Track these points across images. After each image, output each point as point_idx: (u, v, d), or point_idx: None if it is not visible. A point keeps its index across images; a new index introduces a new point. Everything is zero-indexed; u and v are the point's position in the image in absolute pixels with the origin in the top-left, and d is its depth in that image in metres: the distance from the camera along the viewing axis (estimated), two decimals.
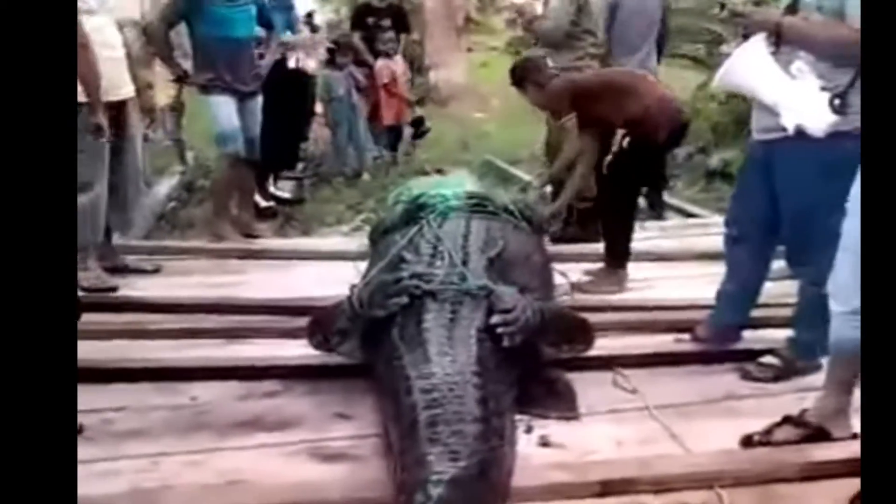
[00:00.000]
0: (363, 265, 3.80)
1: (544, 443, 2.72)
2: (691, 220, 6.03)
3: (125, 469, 2.56)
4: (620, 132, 4.15)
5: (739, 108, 8.00)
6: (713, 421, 2.87)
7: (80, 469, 2.48)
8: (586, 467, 2.51)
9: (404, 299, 2.81)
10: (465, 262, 3.07)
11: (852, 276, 2.22)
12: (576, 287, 4.17)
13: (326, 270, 4.46)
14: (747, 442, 2.66)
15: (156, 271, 4.43)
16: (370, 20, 8.18)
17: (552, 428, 2.80)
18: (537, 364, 3.00)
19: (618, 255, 4.33)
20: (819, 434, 2.61)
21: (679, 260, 4.80)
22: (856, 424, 2.53)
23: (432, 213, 3.58)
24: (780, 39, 2.85)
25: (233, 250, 4.83)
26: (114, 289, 4.06)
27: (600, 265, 4.37)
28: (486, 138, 9.47)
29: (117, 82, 4.06)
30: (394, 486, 2.21)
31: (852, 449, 2.36)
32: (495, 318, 2.72)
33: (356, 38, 8.20)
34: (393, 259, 3.22)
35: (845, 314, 2.39)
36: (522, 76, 4.65)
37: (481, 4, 23.85)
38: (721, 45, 8.41)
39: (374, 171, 7.75)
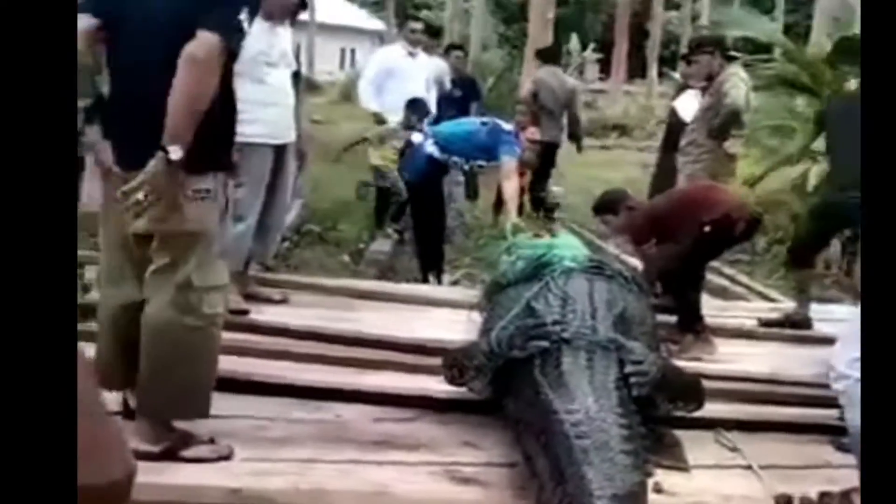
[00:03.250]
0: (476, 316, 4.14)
1: (658, 489, 2.95)
2: (771, 305, 6.24)
3: (278, 470, 2.87)
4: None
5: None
6: (813, 485, 3.04)
7: (237, 467, 2.84)
8: None
9: (545, 343, 3.10)
10: (593, 317, 3.36)
11: None
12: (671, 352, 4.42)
13: (438, 316, 4.78)
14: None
15: (283, 301, 4.78)
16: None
17: (663, 477, 3.03)
18: (653, 417, 3.26)
19: (691, 321, 4.60)
20: None
21: (757, 339, 5.03)
22: None
23: (554, 270, 3.89)
24: None
25: (348, 289, 5.17)
26: (246, 312, 4.40)
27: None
28: (570, 210, 9.77)
29: (287, 128, 4.51)
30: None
31: None
32: (629, 368, 3.00)
33: None
34: (523, 308, 3.52)
35: None
36: (607, 206, 5.03)
37: None
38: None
39: (466, 232, 8.08)
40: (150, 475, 2.51)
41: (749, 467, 3.21)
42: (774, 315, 5.26)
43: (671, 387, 3.29)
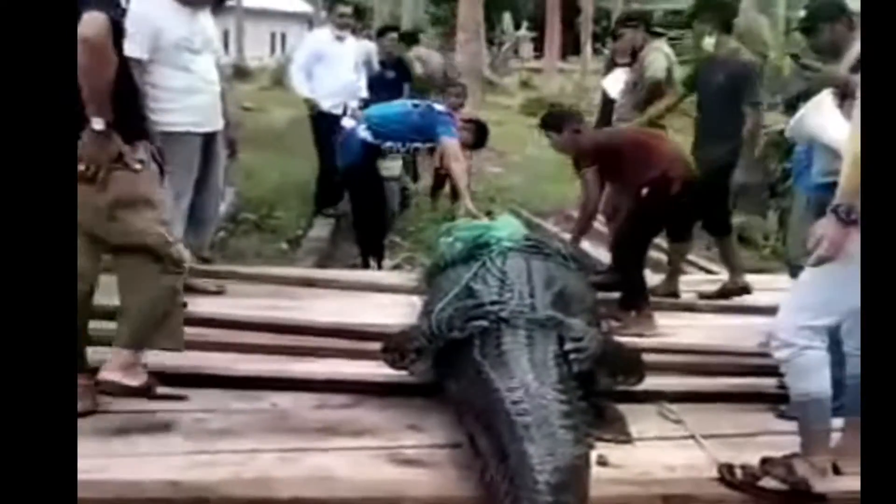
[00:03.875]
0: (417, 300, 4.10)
1: (602, 462, 2.95)
2: (710, 276, 6.32)
3: (224, 461, 2.81)
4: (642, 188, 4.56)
5: (754, 176, 8.45)
6: (755, 453, 3.06)
7: (179, 459, 2.78)
8: (649, 483, 2.76)
9: (484, 323, 3.09)
10: (531, 296, 3.36)
11: None
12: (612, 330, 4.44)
13: (378, 300, 4.74)
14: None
15: (220, 292, 4.68)
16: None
17: (607, 450, 3.04)
18: (595, 392, 3.28)
19: (633, 298, 4.60)
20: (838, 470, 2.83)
21: (697, 311, 5.09)
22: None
23: (492, 251, 3.89)
24: (845, 94, 3.21)
25: (289, 278, 5.09)
26: (183, 305, 4.29)
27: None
28: (508, 191, 9.80)
29: (215, 116, 4.40)
30: (486, 488, 2.47)
31: None
32: (568, 345, 3.01)
33: None
34: (463, 289, 3.51)
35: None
36: (558, 122, 4.95)
37: (493, 65, 24.66)
38: None
39: (407, 215, 8.03)
40: (90, 473, 2.54)
41: (692, 437, 3.24)
42: (712, 287, 5.32)
43: (611, 362, 3.32)
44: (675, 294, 5.22)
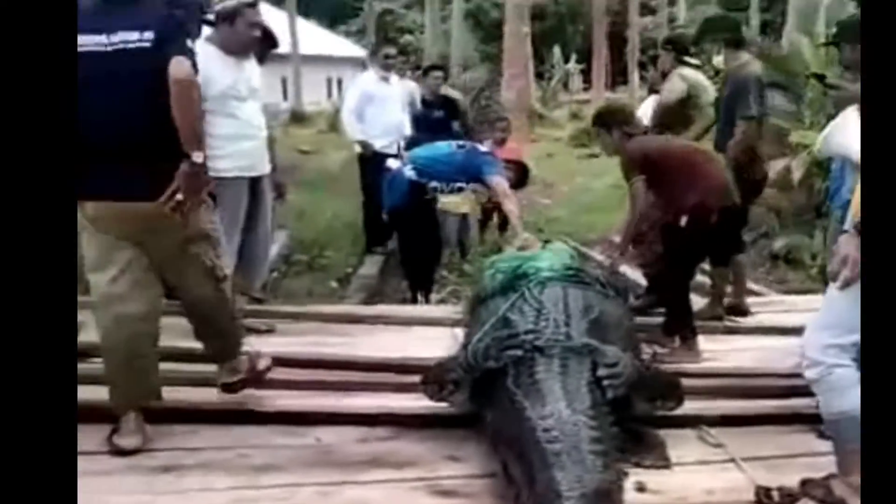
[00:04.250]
0: (458, 332, 4.15)
1: (640, 488, 2.96)
2: (756, 299, 6.26)
3: (266, 496, 2.89)
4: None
5: (799, 197, 8.36)
6: (796, 474, 3.02)
7: (223, 495, 2.87)
8: None
9: (518, 352, 3.14)
10: (566, 324, 3.40)
11: None
12: (656, 357, 4.43)
13: (423, 334, 4.80)
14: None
15: (269, 331, 4.81)
16: (423, 111, 8.53)
17: (645, 476, 3.05)
18: (631, 418, 3.28)
19: (675, 327, 4.55)
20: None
21: (745, 334, 5.05)
22: None
23: (531, 282, 3.94)
24: None
25: (336, 315, 5.20)
26: None
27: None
28: (556, 223, 9.85)
29: (261, 160, 4.57)
30: None
31: None
32: (602, 371, 3.04)
33: None
34: (499, 320, 3.56)
35: None
36: (612, 120, 4.80)
37: (544, 99, 24.82)
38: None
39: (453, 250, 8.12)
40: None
41: (732, 461, 3.23)
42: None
43: (649, 387, 3.32)
44: (720, 318, 5.19)
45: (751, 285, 6.57)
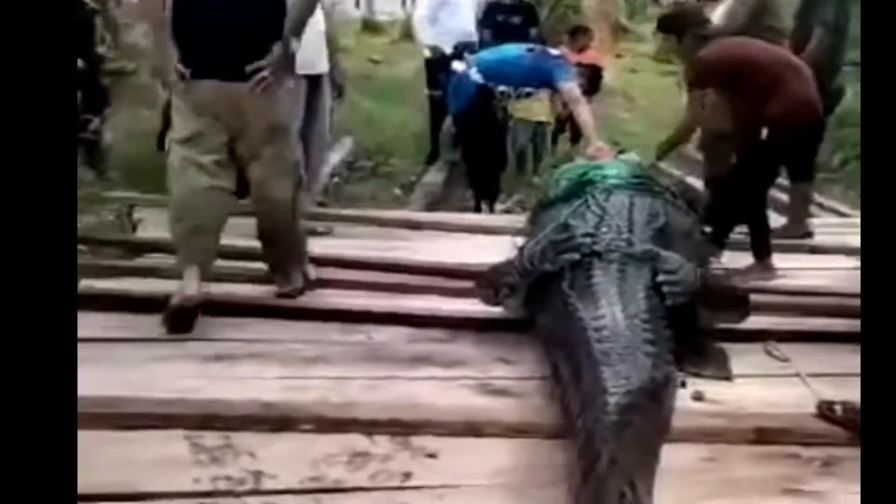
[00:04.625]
0: (519, 240, 4.05)
1: (697, 397, 2.86)
2: (842, 220, 6.00)
3: (314, 386, 2.87)
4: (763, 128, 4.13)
5: None
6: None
7: (272, 383, 2.86)
8: (741, 416, 2.65)
9: (575, 255, 3.03)
10: (629, 231, 3.27)
11: None
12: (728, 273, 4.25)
13: (483, 242, 4.70)
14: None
15: (327, 233, 4.77)
16: (500, 17, 8.33)
17: (705, 386, 2.94)
18: (694, 328, 3.16)
19: (756, 245, 4.32)
20: None
21: (830, 253, 4.84)
22: None
23: (596, 188, 3.80)
24: None
25: (396, 220, 5.14)
26: None
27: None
28: (633, 137, 9.55)
29: (317, 57, 4.47)
30: (564, 413, 2.43)
31: None
32: (661, 277, 2.91)
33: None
34: (559, 225, 3.45)
35: None
36: (681, 24, 4.45)
37: (631, 12, 23.91)
38: None
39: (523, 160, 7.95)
40: (186, 392, 2.71)
41: (797, 376, 3.09)
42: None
43: (713, 298, 3.19)
44: (803, 235, 4.97)
45: (841, 207, 6.34)
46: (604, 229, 3.30)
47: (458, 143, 6.57)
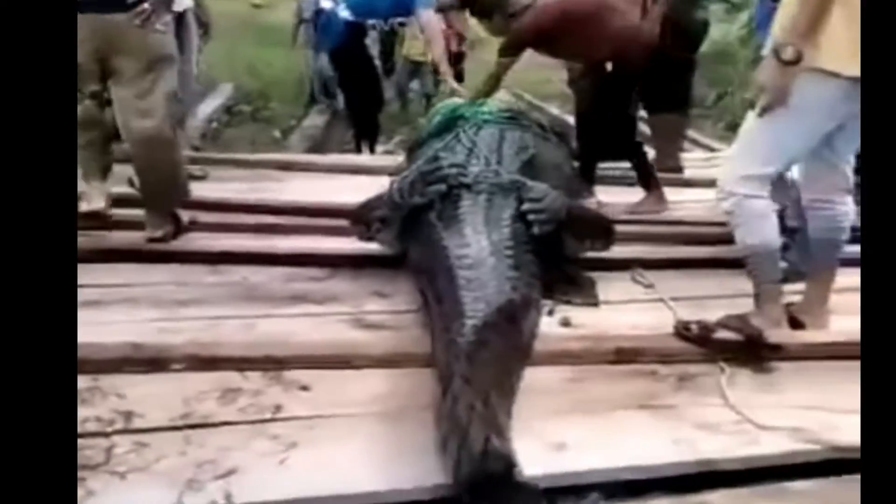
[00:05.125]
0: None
1: (565, 323, 2.97)
2: (713, 154, 6.25)
3: (187, 328, 2.85)
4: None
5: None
6: (720, 312, 3.03)
7: (146, 326, 2.82)
8: (601, 338, 2.77)
9: (443, 187, 3.08)
10: (498, 163, 3.33)
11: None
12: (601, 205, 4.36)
13: (361, 183, 4.69)
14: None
15: (203, 177, 4.69)
16: None
17: (573, 312, 3.05)
18: (562, 257, 3.26)
19: (641, 176, 4.48)
20: (797, 324, 2.86)
21: (700, 187, 5.02)
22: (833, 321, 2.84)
23: (467, 123, 3.84)
24: None
25: (273, 162, 5.09)
26: None
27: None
28: (515, 77, 9.64)
29: None
30: (431, 336, 2.49)
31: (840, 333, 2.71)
32: (526, 206, 2.99)
33: None
34: (429, 158, 3.48)
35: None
36: (487, 7, 4.46)
37: None
38: None
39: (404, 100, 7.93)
40: None
41: (661, 300, 3.24)
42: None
43: (580, 227, 3.29)
44: (673, 169, 5.13)
45: (712, 143, 6.56)
46: (472, 161, 3.36)
47: (338, 82, 6.48)
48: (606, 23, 4.18)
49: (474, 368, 1.90)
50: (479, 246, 2.65)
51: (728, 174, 2.75)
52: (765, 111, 2.55)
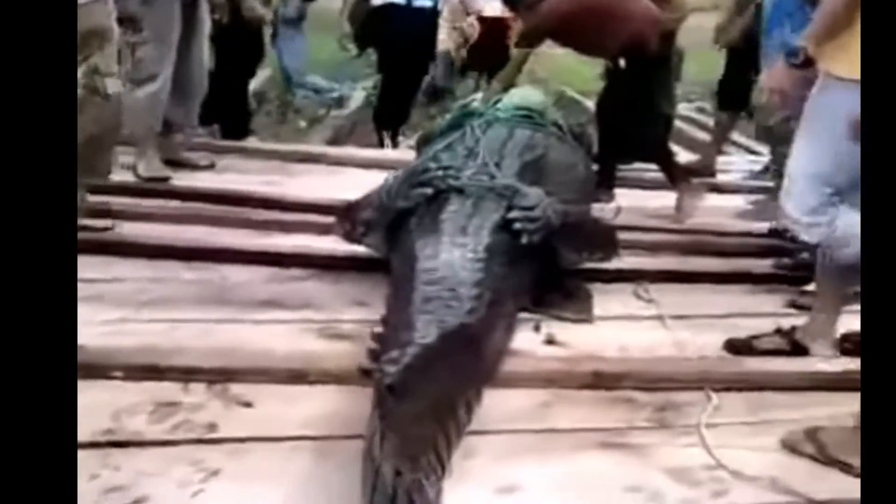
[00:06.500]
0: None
1: (549, 341, 2.75)
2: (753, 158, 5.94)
3: (144, 331, 2.68)
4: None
5: None
6: (718, 333, 2.81)
7: (96, 329, 2.65)
8: (580, 360, 2.54)
9: (428, 191, 2.86)
10: (497, 164, 3.10)
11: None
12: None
13: (369, 178, 4.51)
14: (731, 347, 2.72)
15: (210, 167, 4.56)
16: None
17: (562, 329, 2.82)
18: (557, 268, 3.03)
19: (667, 170, 4.27)
20: (798, 350, 2.64)
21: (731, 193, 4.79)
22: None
23: (476, 120, 3.62)
24: None
25: (287, 153, 4.94)
26: (167, 179, 4.20)
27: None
28: (567, 72, 9.36)
29: None
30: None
31: (843, 365, 2.49)
32: (514, 213, 2.77)
33: None
34: (426, 157, 3.27)
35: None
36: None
37: None
38: None
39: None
40: None
41: (660, 318, 2.99)
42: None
43: (578, 236, 3.06)
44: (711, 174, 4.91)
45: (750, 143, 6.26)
46: (469, 163, 3.13)
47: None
48: (623, 11, 4.01)
49: (395, 404, 1.68)
50: (449, 258, 2.44)
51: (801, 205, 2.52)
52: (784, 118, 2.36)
